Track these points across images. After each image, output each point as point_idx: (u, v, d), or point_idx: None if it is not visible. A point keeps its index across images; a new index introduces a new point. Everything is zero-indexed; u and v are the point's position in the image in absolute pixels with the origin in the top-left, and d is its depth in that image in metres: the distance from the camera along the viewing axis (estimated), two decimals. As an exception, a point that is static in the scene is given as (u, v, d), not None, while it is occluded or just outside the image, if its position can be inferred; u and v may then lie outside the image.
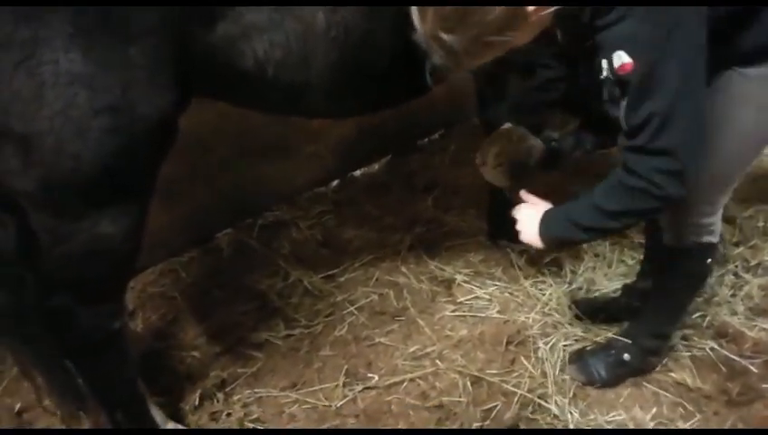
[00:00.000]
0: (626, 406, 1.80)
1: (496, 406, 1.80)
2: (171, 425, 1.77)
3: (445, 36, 1.09)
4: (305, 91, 1.40)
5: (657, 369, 1.87)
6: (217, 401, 1.90)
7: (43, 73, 1.07)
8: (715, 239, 1.62)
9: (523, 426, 1.75)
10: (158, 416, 1.73)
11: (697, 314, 2.01)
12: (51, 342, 1.48)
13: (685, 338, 1.95)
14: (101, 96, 1.13)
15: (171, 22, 1.15)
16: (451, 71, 1.23)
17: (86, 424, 1.71)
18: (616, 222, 1.34)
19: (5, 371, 2.04)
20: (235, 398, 1.91)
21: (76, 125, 1.13)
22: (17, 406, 1.93)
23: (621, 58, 1.15)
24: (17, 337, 1.47)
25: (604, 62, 1.19)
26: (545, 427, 1.74)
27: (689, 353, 1.91)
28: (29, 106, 1.10)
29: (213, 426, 1.84)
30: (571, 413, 1.76)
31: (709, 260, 1.66)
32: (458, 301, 2.15)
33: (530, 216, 1.52)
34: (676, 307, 1.79)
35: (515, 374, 1.89)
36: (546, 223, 1.48)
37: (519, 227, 1.55)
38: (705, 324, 2.00)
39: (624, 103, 1.21)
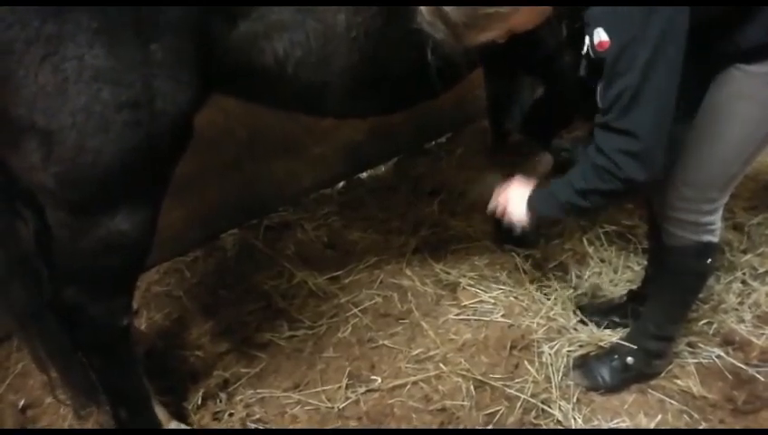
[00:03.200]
0: (630, 413, 1.78)
1: (500, 410, 1.79)
2: (174, 424, 1.77)
3: (445, 8, 1.13)
4: (324, 90, 1.42)
5: (663, 376, 1.85)
6: (220, 401, 1.90)
7: (67, 69, 1.10)
8: (715, 239, 1.60)
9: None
10: (161, 414, 1.74)
11: (704, 322, 2.00)
12: (66, 335, 1.49)
13: (691, 345, 1.94)
14: (124, 92, 1.15)
15: (193, 19, 1.17)
16: (453, 46, 1.23)
17: (97, 418, 1.76)
18: (585, 201, 1.36)
19: (10, 367, 2.06)
20: (238, 398, 1.91)
21: (98, 120, 1.15)
22: (21, 402, 1.94)
23: (600, 35, 1.17)
24: (34, 331, 1.48)
25: (587, 39, 1.21)
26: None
27: (695, 361, 1.89)
28: (53, 101, 1.11)
29: (215, 425, 1.84)
30: (574, 419, 1.75)
31: (709, 260, 1.64)
32: (463, 304, 2.15)
33: (519, 192, 1.55)
34: (678, 308, 1.78)
35: (519, 379, 1.88)
36: (532, 198, 1.52)
37: (508, 203, 1.57)
38: (711, 332, 1.98)
39: (601, 83, 1.23)
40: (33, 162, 1.19)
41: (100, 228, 1.31)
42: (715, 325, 1.99)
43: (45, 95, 1.11)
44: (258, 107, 1.71)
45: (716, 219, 1.58)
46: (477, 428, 1.75)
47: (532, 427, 1.76)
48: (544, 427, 1.75)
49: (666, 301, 1.77)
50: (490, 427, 1.76)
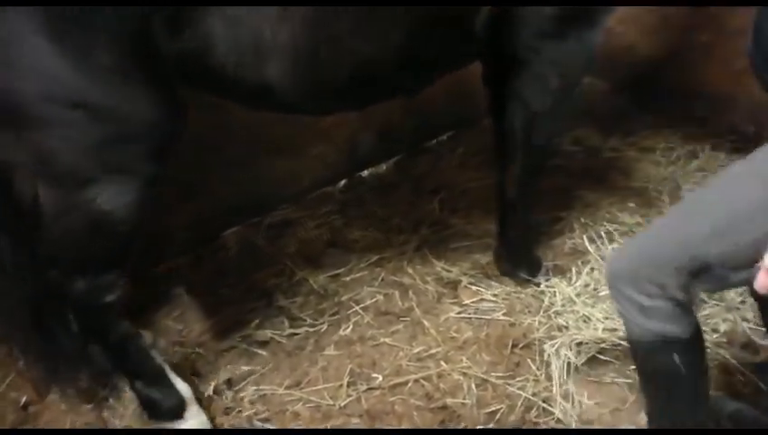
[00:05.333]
0: (630, 411, 1.78)
1: (500, 409, 1.80)
2: (195, 407, 1.79)
3: None
4: (266, 93, 1.48)
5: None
6: (227, 398, 1.90)
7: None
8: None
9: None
10: (182, 387, 1.78)
11: (707, 321, 2.00)
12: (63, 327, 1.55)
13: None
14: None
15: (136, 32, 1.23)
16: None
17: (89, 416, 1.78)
18: None
19: (11, 364, 2.06)
20: (240, 395, 1.91)
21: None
22: (23, 399, 1.94)
23: None
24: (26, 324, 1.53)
25: None
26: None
27: (696, 359, 1.89)
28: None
29: (227, 422, 1.84)
30: (574, 417, 1.75)
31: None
32: (464, 303, 2.15)
33: None
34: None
35: (520, 377, 1.88)
36: None
37: None
38: (715, 331, 1.98)
39: None
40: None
41: (83, 207, 1.35)
42: (719, 325, 1.99)
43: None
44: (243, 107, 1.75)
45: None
46: (478, 427, 1.75)
47: (532, 426, 1.76)
48: (545, 426, 1.75)
49: None
50: (491, 425, 1.76)
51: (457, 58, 1.80)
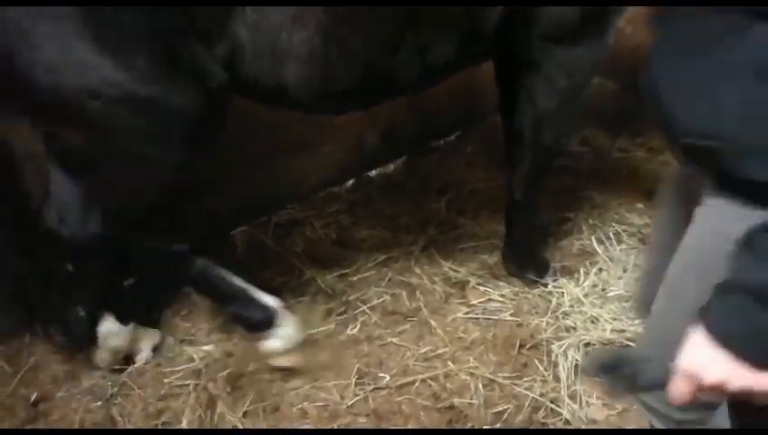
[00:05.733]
0: (639, 413, 1.77)
1: (508, 409, 1.80)
2: (288, 315, 1.91)
3: None
4: (284, 94, 1.54)
5: (672, 376, 1.85)
6: (229, 396, 1.91)
7: None
8: None
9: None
10: (268, 299, 1.89)
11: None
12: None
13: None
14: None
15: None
16: None
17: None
18: None
19: (21, 361, 2.07)
20: (248, 393, 1.92)
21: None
22: (33, 396, 1.95)
23: None
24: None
25: None
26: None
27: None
28: None
29: (224, 419, 1.85)
30: (582, 418, 1.75)
31: None
32: (471, 303, 2.15)
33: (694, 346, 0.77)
34: None
35: (528, 378, 1.88)
36: (737, 338, 0.73)
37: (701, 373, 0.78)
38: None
39: None
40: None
41: (139, 171, 1.51)
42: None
43: None
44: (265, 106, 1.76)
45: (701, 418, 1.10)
46: (485, 427, 1.75)
47: (540, 426, 1.76)
48: (552, 426, 1.75)
49: None
50: (498, 425, 1.76)
51: (469, 57, 1.80)
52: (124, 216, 1.66)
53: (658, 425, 1.14)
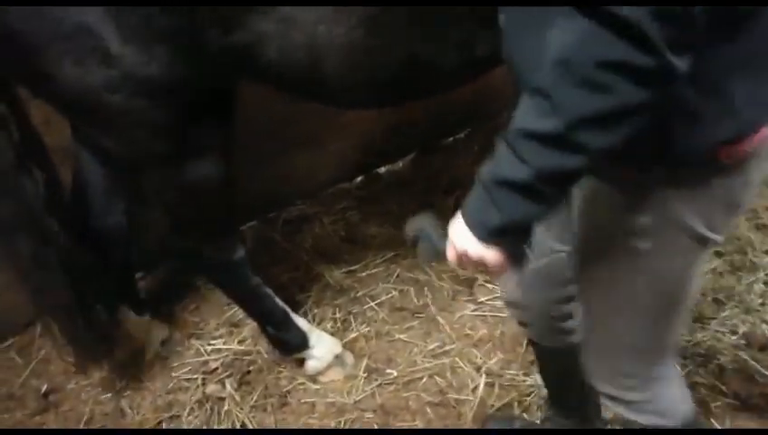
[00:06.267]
0: (647, 412, 1.77)
1: (513, 406, 1.79)
2: (316, 333, 1.95)
3: None
4: (316, 88, 1.50)
5: (682, 375, 1.83)
6: (236, 391, 1.92)
7: None
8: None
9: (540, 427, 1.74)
10: (303, 324, 1.94)
11: (726, 322, 1.98)
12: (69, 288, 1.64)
13: (712, 346, 1.92)
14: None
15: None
16: None
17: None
18: (569, 149, 0.78)
19: (32, 353, 2.10)
20: (255, 388, 1.93)
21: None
22: (44, 387, 1.98)
23: None
24: (37, 280, 1.62)
25: None
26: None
27: (717, 361, 1.87)
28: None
29: (231, 413, 1.86)
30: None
31: None
32: (479, 300, 2.15)
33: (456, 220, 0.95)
34: None
35: (534, 375, 1.87)
36: (469, 213, 0.92)
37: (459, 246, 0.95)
38: (734, 333, 1.95)
39: None
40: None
41: (176, 181, 1.50)
42: (737, 326, 1.97)
43: None
44: (276, 100, 1.75)
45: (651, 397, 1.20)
46: (488, 427, 1.75)
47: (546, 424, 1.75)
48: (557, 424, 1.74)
49: None
50: (503, 422, 1.76)
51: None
52: (177, 218, 1.66)
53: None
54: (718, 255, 2.22)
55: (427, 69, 1.51)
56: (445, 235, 0.99)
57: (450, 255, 0.96)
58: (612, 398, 1.20)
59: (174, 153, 1.44)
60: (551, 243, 1.24)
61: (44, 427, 1.89)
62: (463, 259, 0.94)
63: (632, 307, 1.08)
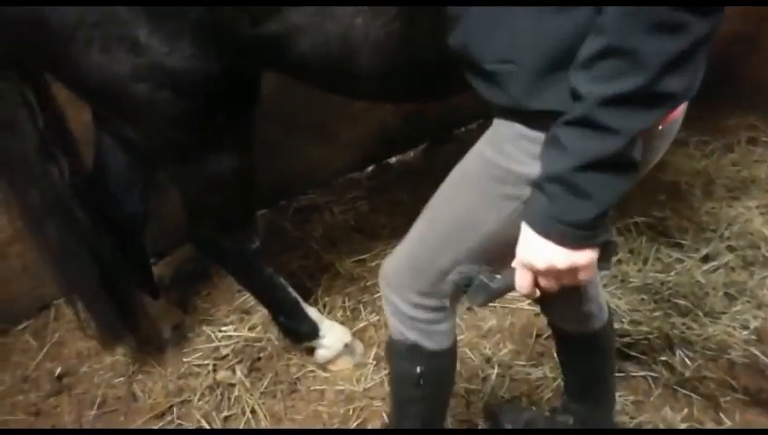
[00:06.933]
0: (656, 405, 1.77)
1: (522, 398, 1.80)
2: (327, 322, 1.97)
3: None
4: (346, 81, 1.46)
5: (692, 369, 1.83)
6: (247, 377, 1.94)
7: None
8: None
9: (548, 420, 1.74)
10: (313, 313, 1.94)
11: (737, 317, 1.97)
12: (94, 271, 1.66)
13: (723, 341, 1.91)
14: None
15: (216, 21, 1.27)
16: None
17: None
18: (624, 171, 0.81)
19: (47, 336, 2.13)
20: (266, 374, 1.95)
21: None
22: (58, 370, 2.01)
23: None
24: (64, 266, 1.64)
25: None
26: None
27: (727, 356, 1.86)
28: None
29: (241, 399, 1.88)
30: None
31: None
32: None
33: (525, 241, 0.89)
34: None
35: (544, 367, 1.88)
36: (542, 223, 0.85)
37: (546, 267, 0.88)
38: (745, 328, 1.95)
39: None
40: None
41: (198, 172, 1.50)
42: (748, 321, 1.96)
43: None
44: (287, 91, 1.75)
45: (431, 319, 1.20)
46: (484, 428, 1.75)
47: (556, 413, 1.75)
48: (565, 417, 1.74)
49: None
50: (511, 414, 1.76)
51: None
52: (197, 208, 1.66)
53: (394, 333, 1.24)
54: (730, 249, 2.21)
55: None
56: (491, 271, 0.96)
57: (526, 284, 0.90)
58: (394, 308, 1.21)
59: (197, 144, 1.44)
60: None
61: (58, 409, 1.92)
62: (548, 279, 0.87)
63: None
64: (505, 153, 0.96)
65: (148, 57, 1.23)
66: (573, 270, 0.85)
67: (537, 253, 0.85)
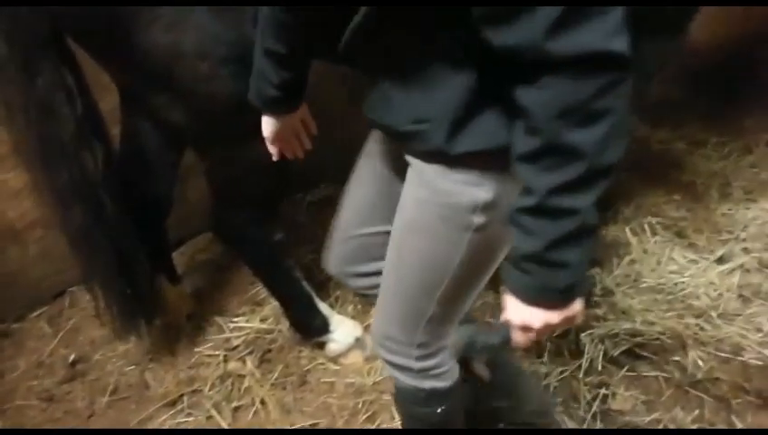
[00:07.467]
0: (667, 405, 1.76)
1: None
2: (337, 318, 1.97)
3: None
4: None
5: (705, 370, 1.82)
6: (257, 368, 1.95)
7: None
8: (441, 384, 1.25)
9: (558, 417, 1.74)
10: (325, 309, 1.95)
11: (752, 319, 1.95)
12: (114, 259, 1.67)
13: (736, 342, 1.89)
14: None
15: None
16: None
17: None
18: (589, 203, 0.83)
19: (62, 323, 2.16)
20: (277, 367, 1.96)
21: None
22: (71, 357, 2.04)
23: None
24: (86, 251, 1.65)
25: None
26: (581, 417, 1.73)
27: (741, 358, 1.85)
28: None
29: (251, 390, 1.89)
30: (608, 410, 1.74)
31: (440, 409, 1.27)
32: (500, 288, 2.13)
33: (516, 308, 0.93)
34: None
35: (554, 365, 1.87)
36: (532, 295, 0.90)
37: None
38: (759, 330, 1.92)
39: None
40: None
41: (241, 157, 1.51)
42: (761, 323, 1.94)
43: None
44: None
45: (438, 363, 1.22)
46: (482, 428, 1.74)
47: (561, 413, 1.75)
48: (574, 415, 1.74)
49: None
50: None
51: None
52: (229, 195, 1.67)
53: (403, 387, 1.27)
54: (746, 251, 2.19)
55: None
56: (487, 332, 1.07)
57: (524, 341, 0.96)
58: (401, 368, 1.23)
59: (241, 129, 1.41)
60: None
61: (71, 395, 1.94)
62: (544, 332, 0.94)
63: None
64: (439, 190, 1.00)
65: (211, 35, 1.26)
66: (569, 319, 0.92)
67: (531, 317, 0.91)
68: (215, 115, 1.42)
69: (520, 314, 0.92)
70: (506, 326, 0.96)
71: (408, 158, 1.04)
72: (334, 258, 1.38)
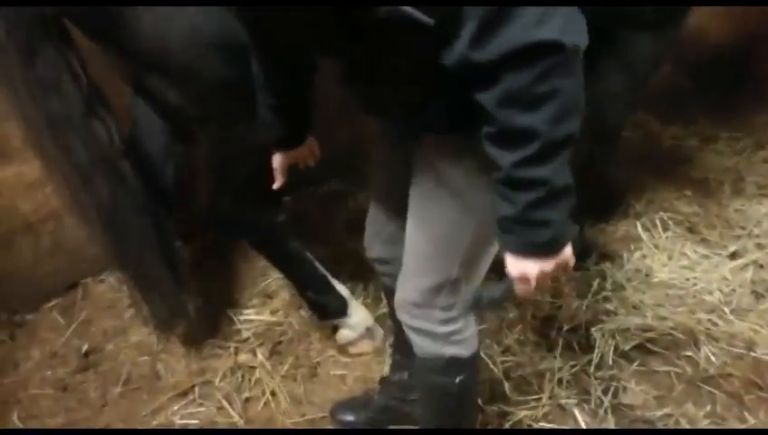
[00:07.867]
0: (678, 401, 1.75)
1: (542, 390, 1.79)
2: (355, 302, 1.98)
3: None
4: None
5: (717, 365, 1.81)
6: (268, 360, 1.96)
7: None
8: (464, 352, 1.30)
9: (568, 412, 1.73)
10: (343, 291, 1.95)
11: (765, 315, 1.93)
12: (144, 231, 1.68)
13: (749, 338, 1.88)
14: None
15: None
16: None
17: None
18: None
19: (75, 314, 2.18)
20: (287, 359, 1.97)
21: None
22: (84, 347, 2.06)
23: None
24: (114, 224, 1.65)
25: None
26: (592, 411, 1.72)
27: (753, 354, 1.84)
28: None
29: (262, 382, 1.90)
30: (620, 404, 1.73)
31: (458, 378, 1.31)
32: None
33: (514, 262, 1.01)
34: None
35: (565, 359, 1.87)
36: (524, 249, 0.99)
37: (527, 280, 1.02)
38: (769, 326, 1.92)
39: None
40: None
41: (231, 139, 1.54)
42: (773, 319, 1.93)
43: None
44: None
45: (460, 328, 1.28)
46: (519, 410, 1.75)
47: (573, 408, 1.75)
48: (584, 410, 1.73)
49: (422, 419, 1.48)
50: (531, 405, 1.76)
51: None
52: (228, 178, 1.68)
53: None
54: (759, 247, 2.17)
55: None
56: (491, 287, 1.16)
57: (525, 290, 1.04)
58: (424, 333, 1.29)
59: (242, 111, 1.43)
60: None
61: (84, 385, 1.96)
62: (543, 280, 1.01)
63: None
64: (454, 166, 1.10)
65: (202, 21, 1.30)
66: (562, 265, 1.00)
67: (527, 267, 1.00)
68: (210, 99, 1.45)
69: (516, 267, 1.01)
70: (508, 280, 1.05)
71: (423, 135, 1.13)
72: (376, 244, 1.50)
